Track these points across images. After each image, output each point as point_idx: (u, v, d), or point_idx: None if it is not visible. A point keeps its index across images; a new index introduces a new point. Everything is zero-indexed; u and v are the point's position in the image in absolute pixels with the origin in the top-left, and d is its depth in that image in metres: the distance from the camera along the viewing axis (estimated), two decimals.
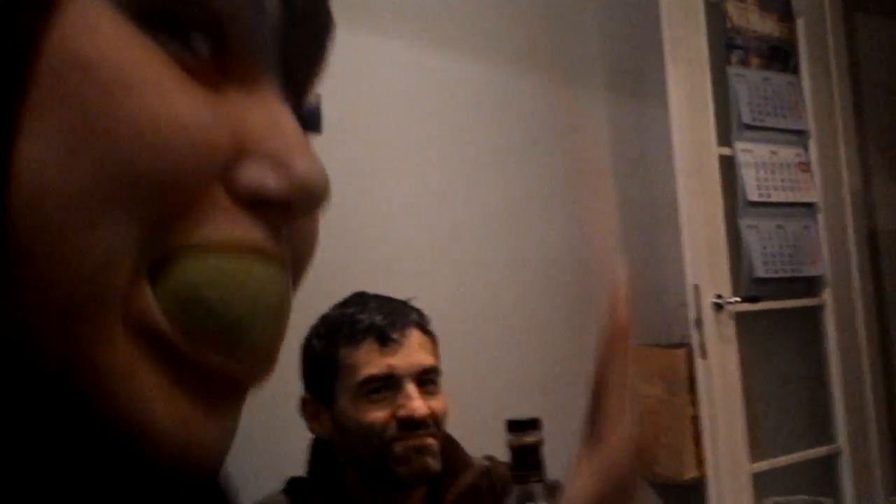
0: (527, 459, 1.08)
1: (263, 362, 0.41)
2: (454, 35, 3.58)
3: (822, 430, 4.05)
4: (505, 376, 3.48)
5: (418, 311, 1.97)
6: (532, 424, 1.10)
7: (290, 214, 0.41)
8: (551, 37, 3.94)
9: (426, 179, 3.41)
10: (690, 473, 3.52)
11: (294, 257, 0.43)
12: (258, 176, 0.39)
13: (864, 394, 4.16)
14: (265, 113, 0.40)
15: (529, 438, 1.09)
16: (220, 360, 0.39)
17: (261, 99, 0.41)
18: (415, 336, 1.89)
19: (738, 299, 3.65)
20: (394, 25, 3.38)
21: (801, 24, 4.15)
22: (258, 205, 0.39)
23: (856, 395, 4.12)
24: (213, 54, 0.39)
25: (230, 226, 0.39)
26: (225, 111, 0.39)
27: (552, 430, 1.18)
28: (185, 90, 0.37)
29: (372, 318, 1.89)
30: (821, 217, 4.09)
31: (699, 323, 3.55)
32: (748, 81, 3.90)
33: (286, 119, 0.41)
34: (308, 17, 0.43)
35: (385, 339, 1.85)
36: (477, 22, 3.67)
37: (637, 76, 4.10)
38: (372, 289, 2.05)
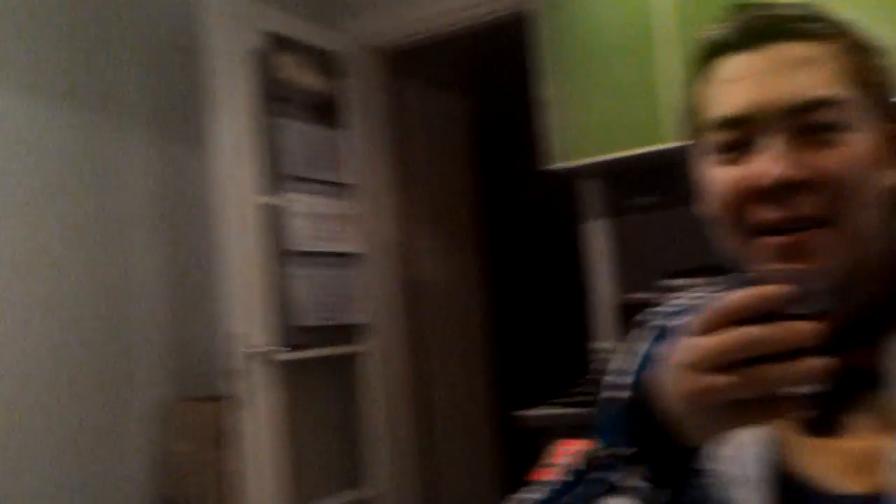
0: None
1: None
2: None
3: (360, 472, 4.16)
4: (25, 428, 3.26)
5: None
6: None
7: None
8: (93, 74, 3.79)
9: None
10: None
11: None
12: None
13: (404, 437, 4.35)
14: None
15: None
16: None
17: None
18: None
19: (282, 348, 3.68)
20: None
21: (348, 82, 4.30)
22: None
23: (398, 439, 4.30)
24: None
25: None
26: None
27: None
28: None
29: None
30: (364, 267, 4.24)
31: (239, 373, 3.51)
32: (294, 133, 3.96)
33: None
34: None
35: None
36: (13, 54, 3.45)
37: (184, 120, 4.04)
38: None
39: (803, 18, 1.06)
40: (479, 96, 5.46)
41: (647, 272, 3.72)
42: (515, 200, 5.73)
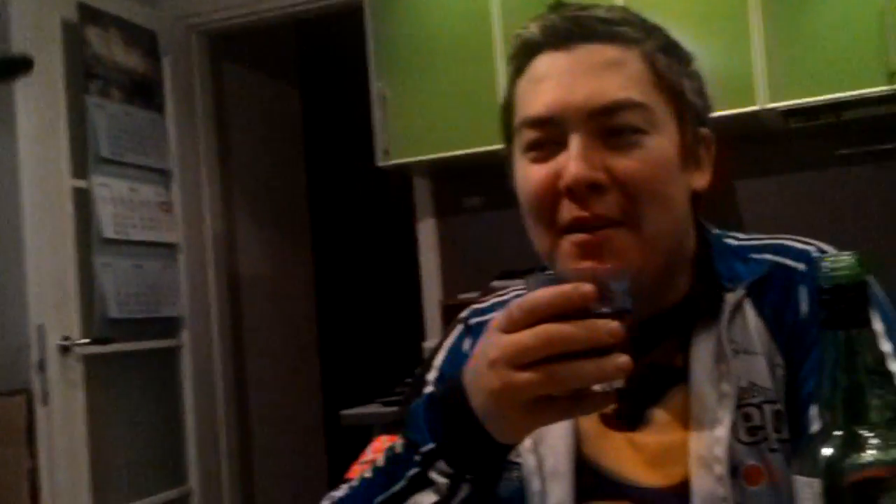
0: None
1: None
2: None
3: (175, 471, 4.00)
4: None
5: None
6: None
7: None
8: None
9: None
10: None
11: None
12: None
13: (217, 435, 4.21)
14: None
15: None
16: None
17: None
18: None
19: (89, 341, 3.50)
20: None
21: (167, 63, 4.12)
22: None
23: (209, 436, 4.16)
24: None
25: None
26: None
27: None
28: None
29: None
30: (182, 258, 4.08)
31: (42, 367, 3.32)
32: (108, 113, 3.74)
33: None
34: None
35: None
36: None
37: None
38: None
39: (613, 21, 1.09)
40: (311, 88, 5.38)
41: (477, 273, 3.72)
42: (348, 196, 5.65)
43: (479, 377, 0.89)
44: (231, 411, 4.31)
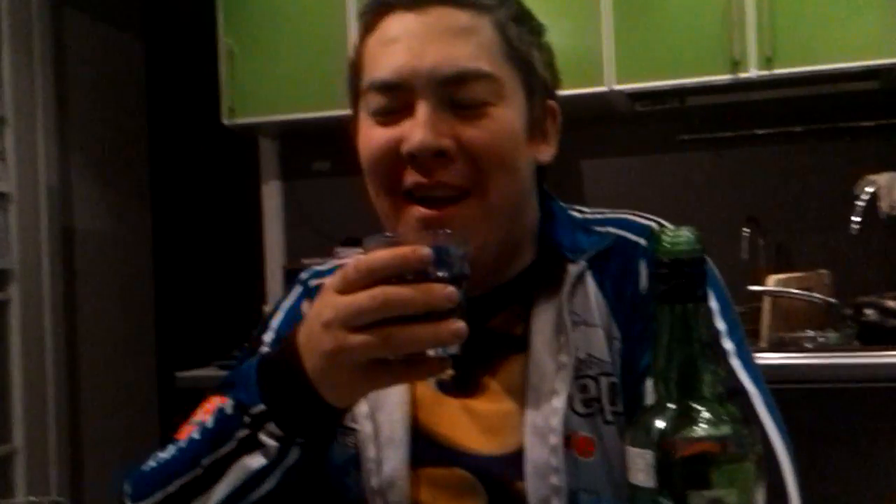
0: None
1: None
2: None
3: (2, 428, 3.83)
4: None
5: None
6: None
7: None
8: None
9: None
10: None
11: None
12: None
13: (45, 393, 4.06)
14: None
15: None
16: None
17: None
18: None
19: None
20: None
21: (4, 5, 3.91)
22: None
23: (37, 394, 4.00)
24: None
25: None
26: None
27: None
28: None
29: None
30: (13, 209, 3.90)
31: None
32: None
33: None
34: None
35: None
36: None
37: None
38: None
39: None
40: (157, 40, 5.20)
41: (322, 238, 3.70)
42: (191, 153, 5.51)
43: (313, 338, 0.87)
44: (60, 369, 4.16)
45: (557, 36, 1.16)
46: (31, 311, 3.99)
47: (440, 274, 0.84)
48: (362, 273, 0.84)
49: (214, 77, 3.63)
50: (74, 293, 4.36)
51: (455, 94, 1.04)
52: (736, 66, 3.18)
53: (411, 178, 1.04)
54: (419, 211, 1.04)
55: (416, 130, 1.02)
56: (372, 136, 1.07)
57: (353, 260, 0.86)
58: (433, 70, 1.03)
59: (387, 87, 1.06)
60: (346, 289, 0.84)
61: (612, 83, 3.28)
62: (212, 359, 3.50)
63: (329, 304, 0.85)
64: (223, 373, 3.18)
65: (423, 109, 1.03)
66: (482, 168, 1.04)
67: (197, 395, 1.09)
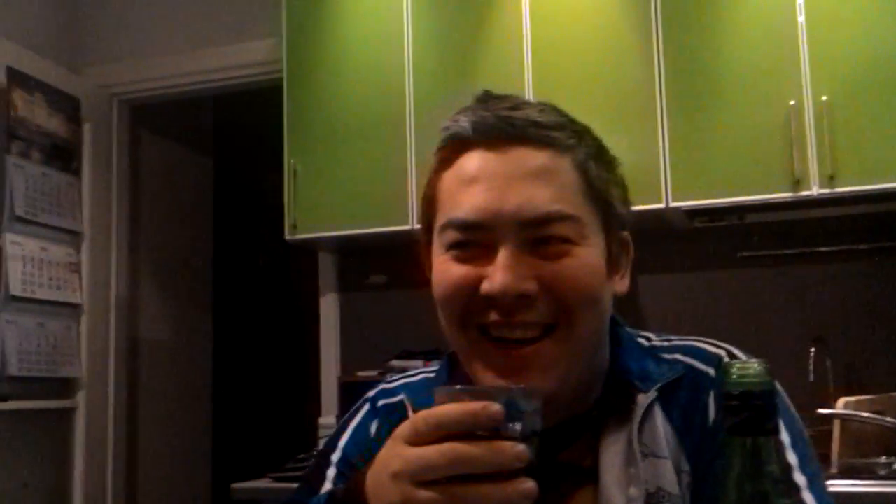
0: None
1: None
2: None
3: None
4: None
5: None
6: None
7: None
8: None
9: None
10: None
11: None
12: None
13: (105, 499, 4.11)
14: None
15: None
16: None
17: None
18: None
19: None
20: None
21: (87, 129, 4.13)
22: None
23: (97, 501, 4.04)
24: None
25: None
26: None
27: None
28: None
29: None
30: (84, 319, 4.02)
31: None
32: (26, 174, 3.75)
33: None
34: None
35: None
36: None
37: None
38: None
39: (546, 125, 1.06)
40: (226, 160, 5.37)
41: (377, 351, 3.71)
42: (253, 268, 5.61)
43: (381, 487, 0.86)
44: (120, 477, 4.21)
45: (616, 152, 1.14)
46: (96, 419, 4.06)
47: (511, 429, 0.82)
48: (432, 427, 0.82)
49: (277, 194, 3.72)
50: (136, 402, 4.42)
51: (536, 235, 1.03)
52: (797, 183, 3.14)
53: (490, 316, 1.03)
54: (500, 353, 1.03)
55: (498, 273, 1.01)
56: (448, 272, 1.06)
57: (423, 412, 0.85)
58: (516, 213, 1.02)
59: (468, 227, 1.04)
60: (416, 441, 0.83)
61: (669, 200, 3.27)
62: (266, 470, 3.49)
63: (398, 454, 0.84)
64: (278, 485, 3.23)
65: (504, 252, 1.02)
66: (568, 306, 1.02)
67: None
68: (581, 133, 1.10)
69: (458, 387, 0.95)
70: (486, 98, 1.10)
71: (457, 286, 1.04)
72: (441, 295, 1.07)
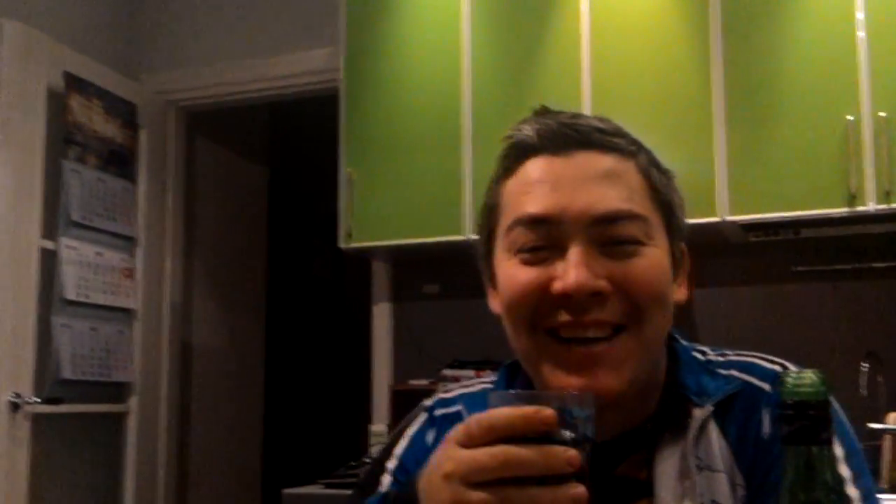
0: None
1: None
2: None
3: None
4: None
5: None
6: None
7: None
8: None
9: None
10: None
11: None
12: None
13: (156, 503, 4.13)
14: None
15: None
16: None
17: None
18: None
19: (39, 400, 3.46)
20: None
21: (143, 134, 4.20)
22: None
23: None
24: None
25: None
26: None
27: None
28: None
29: None
30: (137, 324, 4.06)
31: None
32: (83, 179, 3.80)
33: None
34: None
35: None
36: None
37: None
38: None
39: (608, 132, 1.08)
40: (281, 167, 5.42)
41: (429, 360, 3.73)
42: (306, 275, 5.66)
43: (432, 487, 0.87)
44: (171, 481, 4.25)
45: (670, 165, 1.15)
46: (148, 423, 4.11)
47: (564, 434, 0.83)
48: (485, 429, 0.83)
49: (332, 202, 3.75)
50: (188, 407, 4.47)
51: (606, 234, 1.03)
52: (853, 199, 3.12)
53: (562, 317, 1.03)
54: (570, 353, 1.03)
55: (571, 271, 1.00)
56: (517, 275, 1.05)
57: (477, 415, 0.85)
58: (586, 209, 1.03)
59: (536, 223, 1.04)
60: (468, 443, 0.84)
61: (724, 214, 3.27)
62: (317, 476, 3.52)
63: (451, 456, 0.85)
64: (328, 492, 3.25)
65: (576, 249, 1.02)
66: (639, 304, 1.03)
67: None
68: (637, 143, 1.11)
69: (512, 391, 0.95)
70: (545, 111, 1.12)
71: (526, 289, 1.04)
72: (509, 298, 1.07)
